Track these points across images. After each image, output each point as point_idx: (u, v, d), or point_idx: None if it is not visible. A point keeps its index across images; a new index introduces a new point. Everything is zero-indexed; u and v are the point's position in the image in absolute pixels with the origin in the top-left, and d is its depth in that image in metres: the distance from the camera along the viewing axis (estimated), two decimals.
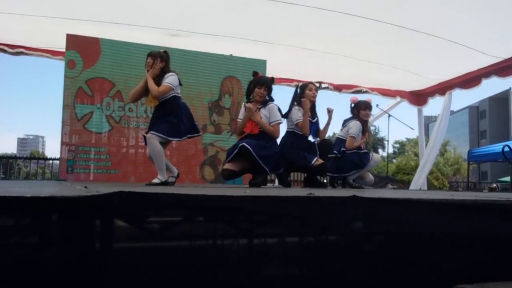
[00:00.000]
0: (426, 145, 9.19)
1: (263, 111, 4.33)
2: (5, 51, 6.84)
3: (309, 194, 1.97)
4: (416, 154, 14.38)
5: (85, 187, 2.47)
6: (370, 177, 5.38)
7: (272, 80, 4.42)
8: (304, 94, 4.70)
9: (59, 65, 6.51)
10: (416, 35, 6.16)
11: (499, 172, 30.99)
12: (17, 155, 14.23)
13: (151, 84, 4.09)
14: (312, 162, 4.52)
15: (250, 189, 3.13)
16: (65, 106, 5.78)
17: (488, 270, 1.75)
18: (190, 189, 2.29)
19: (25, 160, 11.72)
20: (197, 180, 6.33)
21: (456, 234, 1.74)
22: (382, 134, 42.72)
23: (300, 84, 4.84)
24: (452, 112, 42.56)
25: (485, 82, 7.26)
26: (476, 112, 53.16)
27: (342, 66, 5.09)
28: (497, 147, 9.92)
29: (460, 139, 49.13)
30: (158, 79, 4.13)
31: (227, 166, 4.17)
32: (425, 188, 8.99)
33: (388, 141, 10.72)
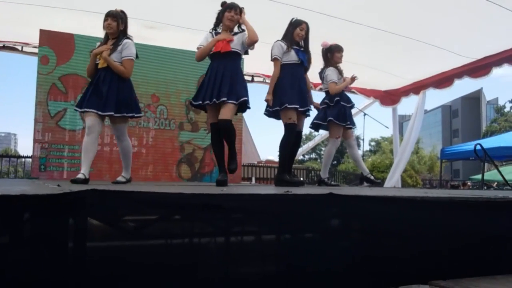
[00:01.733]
0: (400, 143, 9.33)
1: (238, 37, 3.92)
2: None
3: (286, 192, 1.97)
4: (392, 152, 14.67)
5: (58, 185, 2.42)
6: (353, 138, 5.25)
7: (243, 9, 4.02)
8: (293, 32, 4.39)
9: (32, 61, 6.37)
10: (390, 37, 6.26)
11: (471, 170, 31.73)
12: None
13: (117, 67, 3.68)
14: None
15: (227, 187, 3.11)
16: (38, 103, 5.65)
17: (462, 265, 1.79)
18: (166, 187, 2.27)
19: None
20: (173, 178, 6.28)
21: (431, 231, 1.77)
22: (357, 132, 43.13)
23: (294, 19, 4.48)
24: (426, 111, 43.09)
25: (457, 82, 7.42)
26: (449, 111, 54.27)
27: (318, 64, 5.07)
28: (469, 145, 10.17)
29: (433, 138, 50.07)
30: (115, 42, 3.75)
31: (213, 120, 3.85)
32: (399, 185, 9.14)
33: (363, 139, 10.84)
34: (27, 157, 9.92)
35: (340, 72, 5.13)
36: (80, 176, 3.40)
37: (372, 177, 5.14)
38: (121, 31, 3.77)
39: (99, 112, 3.60)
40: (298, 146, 4.74)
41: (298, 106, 4.19)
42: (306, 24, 4.47)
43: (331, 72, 5.02)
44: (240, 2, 4.37)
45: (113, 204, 1.42)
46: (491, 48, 6.56)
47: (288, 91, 4.20)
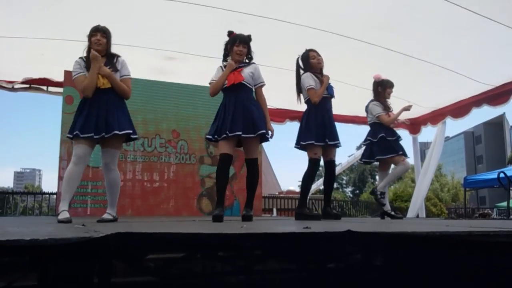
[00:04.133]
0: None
1: (248, 69, 3.84)
2: (3, 87, 6.87)
3: (305, 227, 1.99)
4: (413, 181, 14.51)
5: (83, 225, 2.49)
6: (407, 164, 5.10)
7: (250, 37, 3.90)
8: (309, 64, 4.37)
9: (57, 100, 6.58)
10: (407, 60, 6.17)
11: (497, 196, 30.93)
12: (14, 189, 14.20)
13: (122, 85, 3.45)
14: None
15: (246, 223, 3.14)
16: (62, 142, 5.82)
17: None
18: (187, 226, 2.31)
19: (22, 195, 11.69)
20: (194, 212, 6.32)
21: (451, 268, 1.76)
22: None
23: (300, 56, 4.47)
24: (448, 138, 42.66)
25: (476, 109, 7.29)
26: (471, 137, 53.43)
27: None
28: (493, 174, 10.00)
29: (457, 165, 49.23)
30: (109, 61, 3.47)
31: (226, 150, 3.77)
32: (423, 214, 8.98)
33: None
34: (51, 193, 10.15)
35: (386, 107, 5.10)
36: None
37: (393, 212, 5.03)
38: (109, 48, 3.50)
39: (96, 136, 3.31)
40: (333, 176, 4.70)
41: (313, 142, 4.19)
42: (314, 50, 4.44)
43: (374, 107, 5.06)
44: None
45: (136, 246, 1.46)
46: (510, 74, 6.47)
47: (312, 129, 4.22)
